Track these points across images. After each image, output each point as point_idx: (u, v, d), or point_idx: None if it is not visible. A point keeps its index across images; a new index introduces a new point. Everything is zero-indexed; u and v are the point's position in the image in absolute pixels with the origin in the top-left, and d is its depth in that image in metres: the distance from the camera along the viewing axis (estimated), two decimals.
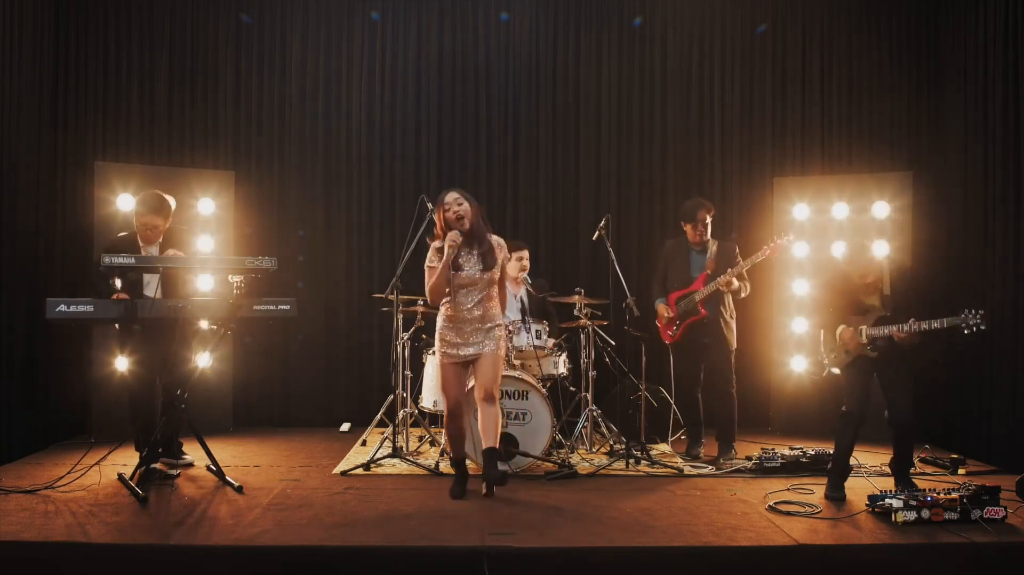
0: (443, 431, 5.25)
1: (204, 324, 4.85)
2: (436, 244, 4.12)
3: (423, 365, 5.35)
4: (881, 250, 5.59)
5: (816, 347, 4.57)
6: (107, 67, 6.18)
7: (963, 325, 3.94)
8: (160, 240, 4.66)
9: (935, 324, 3.99)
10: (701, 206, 5.23)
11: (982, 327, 3.90)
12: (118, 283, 4.20)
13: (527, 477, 4.63)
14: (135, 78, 6.23)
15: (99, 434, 5.48)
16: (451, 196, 4.05)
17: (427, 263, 4.12)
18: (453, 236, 3.99)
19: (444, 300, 4.13)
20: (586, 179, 6.60)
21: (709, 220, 5.21)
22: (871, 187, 5.99)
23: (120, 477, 4.40)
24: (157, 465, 4.53)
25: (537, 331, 5.07)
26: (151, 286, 4.55)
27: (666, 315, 5.27)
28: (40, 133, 5.66)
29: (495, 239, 4.16)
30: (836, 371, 4.46)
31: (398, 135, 6.57)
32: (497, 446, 4.09)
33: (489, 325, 4.11)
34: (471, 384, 4.32)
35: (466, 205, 4.02)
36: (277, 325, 6.20)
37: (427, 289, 4.07)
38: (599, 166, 6.61)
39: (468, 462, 4.39)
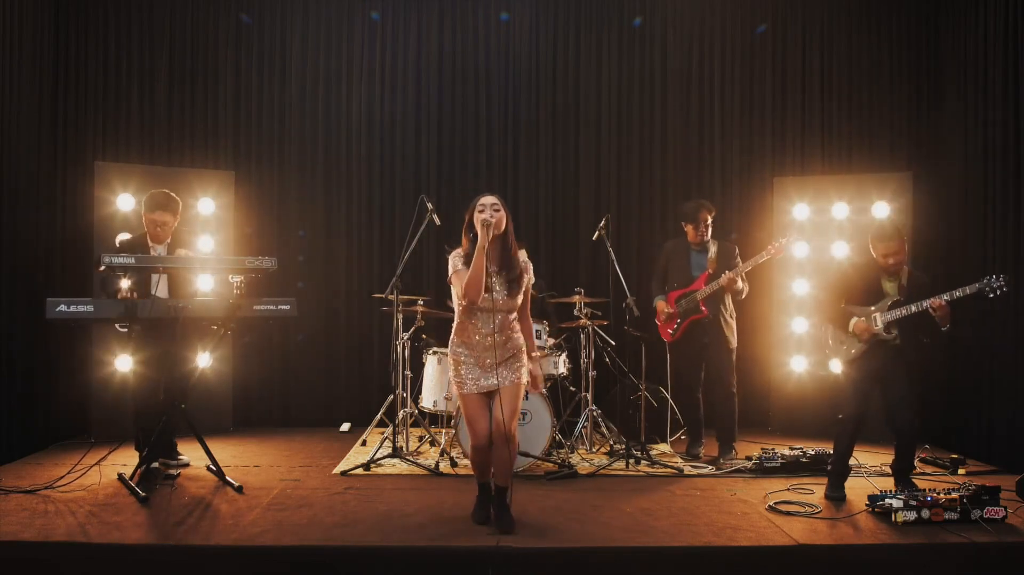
0: (442, 431, 5.28)
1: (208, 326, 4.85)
2: (460, 251, 3.70)
3: (423, 365, 5.34)
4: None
5: (818, 345, 4.55)
6: (107, 67, 6.18)
7: (987, 289, 3.99)
8: (169, 240, 4.68)
9: (957, 293, 4.04)
10: (703, 207, 5.24)
11: (1005, 289, 3.96)
12: (126, 283, 4.21)
13: (527, 477, 4.63)
14: (135, 78, 6.23)
15: (99, 434, 5.50)
16: (488, 199, 3.61)
17: (452, 270, 3.64)
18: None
19: (462, 319, 3.69)
20: (586, 179, 6.60)
21: (710, 220, 5.23)
22: (871, 187, 5.99)
23: (120, 477, 4.41)
24: (155, 464, 4.54)
25: (537, 331, 5.07)
26: (154, 286, 4.56)
27: (666, 311, 5.27)
28: (40, 133, 5.66)
29: (523, 259, 3.76)
30: (839, 366, 4.43)
31: (398, 135, 6.57)
32: (509, 486, 3.69)
33: (512, 354, 3.67)
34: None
35: (503, 213, 3.63)
36: (277, 325, 6.20)
37: (462, 289, 3.55)
38: (599, 166, 6.61)
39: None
